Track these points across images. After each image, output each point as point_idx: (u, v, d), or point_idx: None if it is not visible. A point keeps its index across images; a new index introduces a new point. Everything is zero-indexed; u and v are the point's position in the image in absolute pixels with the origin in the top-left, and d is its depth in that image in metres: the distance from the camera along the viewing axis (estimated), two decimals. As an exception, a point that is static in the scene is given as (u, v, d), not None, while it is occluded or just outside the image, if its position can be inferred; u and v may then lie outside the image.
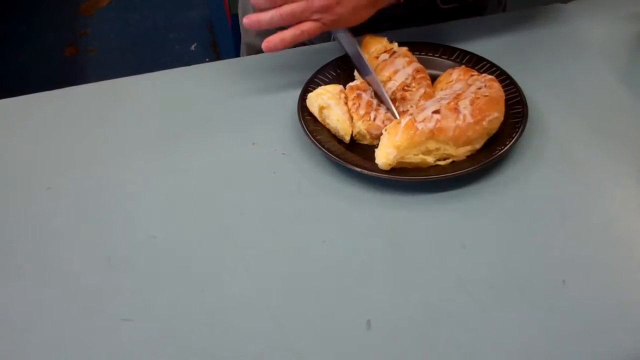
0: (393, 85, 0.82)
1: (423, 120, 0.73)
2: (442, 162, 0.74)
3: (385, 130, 0.75)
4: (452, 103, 0.74)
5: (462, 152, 0.74)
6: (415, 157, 0.74)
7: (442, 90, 0.81)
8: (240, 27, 1.18)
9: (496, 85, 0.77)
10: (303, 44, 1.04)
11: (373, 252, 0.68)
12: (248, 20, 0.83)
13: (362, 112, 0.78)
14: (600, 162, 0.76)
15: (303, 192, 0.74)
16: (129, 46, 2.78)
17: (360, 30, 0.93)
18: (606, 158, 0.77)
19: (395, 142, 0.73)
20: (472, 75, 0.79)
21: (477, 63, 0.85)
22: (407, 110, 0.79)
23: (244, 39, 1.17)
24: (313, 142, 0.76)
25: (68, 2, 3.06)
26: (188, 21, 2.86)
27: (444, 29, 0.96)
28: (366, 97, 0.80)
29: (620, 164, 0.76)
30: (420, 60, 0.85)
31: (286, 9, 0.80)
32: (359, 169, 0.73)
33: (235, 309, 0.63)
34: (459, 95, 0.76)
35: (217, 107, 0.86)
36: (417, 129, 0.72)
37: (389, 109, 0.80)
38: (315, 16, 0.80)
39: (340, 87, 0.82)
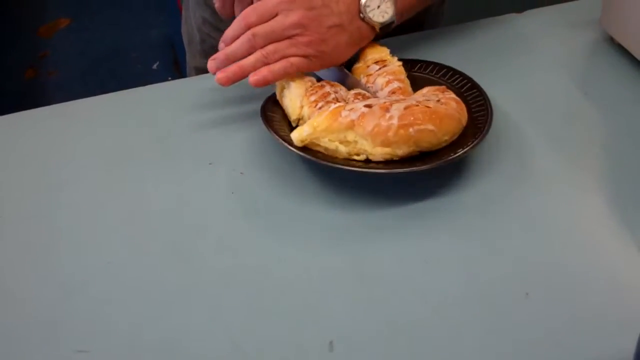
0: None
1: (350, 110, 0.72)
2: (356, 157, 0.72)
3: (317, 112, 0.75)
4: (387, 103, 0.72)
5: (379, 152, 0.71)
6: (330, 143, 0.72)
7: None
8: (187, 49, 1.17)
9: (453, 105, 0.74)
10: None
11: (334, 270, 0.67)
12: (224, 74, 0.78)
13: (312, 98, 0.77)
14: (560, 170, 0.76)
15: (262, 211, 0.73)
16: (90, 67, 2.75)
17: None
18: (566, 166, 0.77)
19: (314, 122, 0.72)
20: (441, 92, 0.77)
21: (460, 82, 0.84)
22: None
23: (191, 62, 1.16)
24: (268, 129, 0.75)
25: (26, 25, 3.02)
26: (149, 40, 2.84)
27: (404, 41, 0.95)
28: (329, 90, 0.78)
29: (580, 171, 0.76)
30: (414, 78, 0.83)
31: (270, 48, 0.77)
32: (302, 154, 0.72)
33: (195, 333, 0.61)
34: (402, 100, 0.74)
35: (172, 127, 0.84)
36: (341, 116, 0.72)
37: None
38: (301, 52, 0.78)
39: (313, 79, 0.81)
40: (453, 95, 0.76)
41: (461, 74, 0.83)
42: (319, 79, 0.82)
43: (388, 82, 0.80)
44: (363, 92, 0.79)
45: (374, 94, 0.80)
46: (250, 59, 0.77)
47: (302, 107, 0.78)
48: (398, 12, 0.82)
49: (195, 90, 0.90)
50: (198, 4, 1.09)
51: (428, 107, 0.72)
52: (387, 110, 0.71)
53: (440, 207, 0.72)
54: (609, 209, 0.72)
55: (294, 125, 0.79)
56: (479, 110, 0.78)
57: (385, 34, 0.85)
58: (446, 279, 0.65)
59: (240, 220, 0.72)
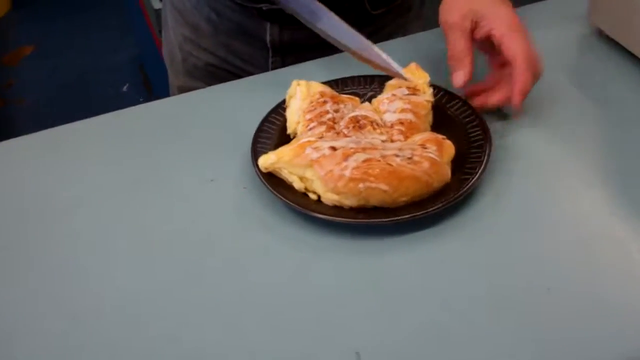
0: (372, 115, 0.77)
1: (315, 148, 0.71)
2: (310, 194, 0.71)
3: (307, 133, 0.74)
4: (351, 150, 0.69)
5: (329, 197, 0.69)
6: (289, 175, 0.72)
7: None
8: (169, 69, 1.15)
9: (425, 166, 0.69)
10: (250, 72, 1.02)
11: (353, 282, 0.65)
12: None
13: (308, 116, 0.76)
14: (564, 166, 0.76)
15: (269, 226, 0.71)
16: (59, 93, 2.70)
17: (311, 50, 0.91)
18: (569, 161, 0.76)
19: (281, 152, 0.72)
20: (426, 148, 0.71)
21: (449, 101, 0.81)
22: (340, 133, 0.74)
23: (174, 82, 1.14)
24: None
25: (-11, 54, 2.97)
26: (117, 63, 2.80)
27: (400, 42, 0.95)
28: (328, 108, 0.76)
29: (584, 166, 0.76)
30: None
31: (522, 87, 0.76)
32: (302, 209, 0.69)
33: (213, 355, 0.60)
34: (369, 149, 0.70)
35: (170, 146, 0.82)
36: (304, 152, 0.71)
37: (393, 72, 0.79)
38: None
39: (328, 90, 0.79)
40: (431, 155, 0.70)
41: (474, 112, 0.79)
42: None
43: (403, 110, 0.76)
44: (363, 115, 0.75)
45: (383, 112, 0.77)
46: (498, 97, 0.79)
47: (298, 122, 0.77)
48: None
49: (192, 107, 0.89)
50: (177, 23, 1.07)
51: (389, 164, 0.68)
52: (346, 157, 0.69)
53: (454, 211, 0.70)
54: (614, 201, 0.72)
55: (291, 137, 0.78)
56: (476, 145, 0.75)
57: (375, 21, 0.84)
58: (465, 283, 0.64)
59: (248, 237, 0.70)
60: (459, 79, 0.78)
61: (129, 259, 0.69)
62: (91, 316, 0.64)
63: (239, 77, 1.03)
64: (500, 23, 0.77)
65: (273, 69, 1.02)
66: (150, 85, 2.59)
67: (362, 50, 0.80)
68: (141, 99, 2.59)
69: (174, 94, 1.15)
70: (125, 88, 2.66)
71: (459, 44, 0.78)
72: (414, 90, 0.78)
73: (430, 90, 0.79)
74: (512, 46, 0.76)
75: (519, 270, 0.65)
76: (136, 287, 0.66)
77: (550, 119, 0.82)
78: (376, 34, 1.00)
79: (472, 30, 0.79)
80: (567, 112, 0.83)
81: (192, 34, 1.05)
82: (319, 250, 0.68)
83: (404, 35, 1.03)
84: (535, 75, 0.77)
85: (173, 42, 1.10)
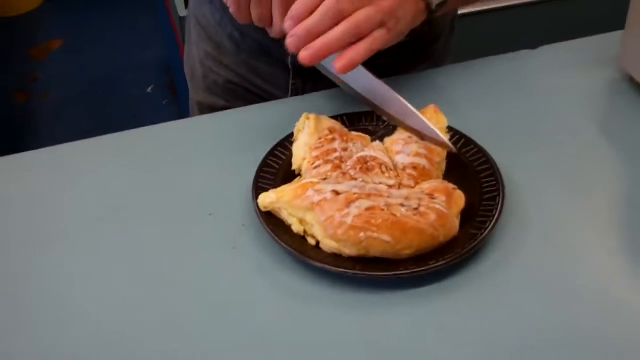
0: (381, 156, 0.73)
1: (317, 191, 0.67)
2: (309, 238, 0.67)
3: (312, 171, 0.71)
4: (354, 196, 0.66)
5: (327, 244, 0.66)
6: (289, 217, 0.68)
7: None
8: (189, 84, 1.13)
9: (431, 218, 0.65)
10: (264, 98, 0.99)
11: (344, 336, 0.61)
12: (308, 52, 0.68)
13: (314, 153, 0.73)
14: (585, 226, 0.71)
15: (266, 269, 0.68)
16: (83, 90, 2.70)
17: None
18: (592, 221, 0.72)
19: (281, 191, 0.69)
20: (434, 198, 0.67)
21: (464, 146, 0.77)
22: (346, 173, 0.70)
23: (194, 97, 1.12)
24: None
25: (18, 47, 2.97)
26: (144, 62, 2.79)
27: (415, 78, 0.91)
28: (336, 146, 0.73)
29: (609, 228, 0.71)
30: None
31: (360, 16, 0.68)
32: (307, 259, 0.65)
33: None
34: (374, 195, 0.67)
35: (169, 174, 0.79)
36: (306, 193, 0.67)
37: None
38: (381, 22, 0.70)
39: (338, 126, 0.76)
40: (439, 206, 0.66)
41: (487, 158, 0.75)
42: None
43: (418, 155, 0.72)
44: (372, 156, 0.71)
45: (396, 153, 0.74)
46: (337, 32, 0.68)
47: (304, 159, 0.73)
48: None
49: (195, 133, 0.86)
50: (201, 38, 1.06)
51: (394, 214, 0.64)
52: (349, 204, 0.65)
53: (459, 268, 0.66)
54: (634, 265, 0.67)
55: (296, 173, 0.74)
56: (489, 196, 0.71)
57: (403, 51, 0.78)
58: (465, 348, 0.60)
59: (240, 278, 0.67)
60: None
61: (113, 294, 0.66)
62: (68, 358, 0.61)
63: (259, 96, 1.02)
64: None
65: (293, 90, 1.00)
66: (176, 89, 2.58)
67: (401, 115, 0.75)
68: (165, 101, 2.57)
69: (193, 109, 1.13)
70: (150, 89, 2.65)
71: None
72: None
73: (447, 137, 0.75)
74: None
75: (525, 339, 0.61)
76: (118, 324, 0.63)
77: (573, 170, 0.77)
78: (400, 62, 0.97)
79: None
80: (593, 164, 0.79)
81: (214, 51, 1.04)
82: (312, 300, 0.65)
83: (429, 64, 0.99)
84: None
85: (195, 57, 1.08)
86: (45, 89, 2.73)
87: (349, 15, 0.69)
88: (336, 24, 0.69)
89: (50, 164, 0.82)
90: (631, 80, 0.88)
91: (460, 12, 1.10)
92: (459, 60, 0.98)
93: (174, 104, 2.53)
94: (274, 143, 0.78)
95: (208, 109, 1.07)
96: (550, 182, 0.75)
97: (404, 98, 0.75)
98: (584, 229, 0.71)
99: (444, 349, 0.60)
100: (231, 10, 0.76)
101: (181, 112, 2.28)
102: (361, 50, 0.69)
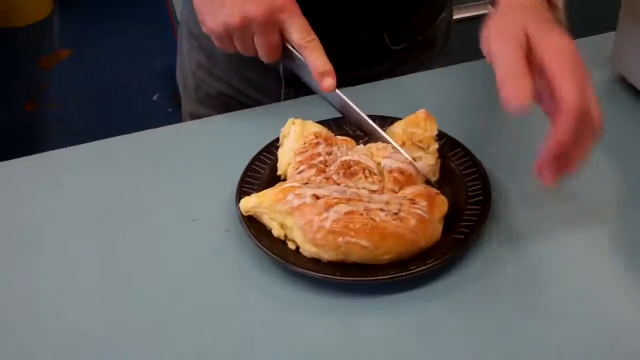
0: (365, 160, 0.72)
1: (297, 195, 0.66)
2: (290, 242, 0.67)
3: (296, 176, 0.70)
4: (334, 200, 0.65)
5: (307, 248, 0.65)
6: (270, 221, 0.67)
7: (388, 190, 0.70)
8: (182, 95, 1.13)
9: (411, 223, 0.64)
10: (263, 103, 0.98)
11: (323, 341, 0.61)
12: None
13: (298, 158, 0.72)
14: (572, 232, 0.70)
15: (249, 274, 0.67)
16: (91, 99, 2.72)
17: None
18: (579, 226, 0.70)
19: (262, 195, 0.68)
20: (414, 203, 0.66)
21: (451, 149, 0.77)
22: (330, 178, 0.69)
23: (187, 107, 1.12)
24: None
25: (27, 57, 2.99)
26: (150, 71, 2.80)
27: (405, 80, 0.90)
28: (320, 150, 0.72)
29: (596, 234, 0.70)
30: None
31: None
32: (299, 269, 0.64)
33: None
34: (354, 200, 0.65)
35: (154, 178, 0.79)
36: (286, 197, 0.66)
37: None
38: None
39: (324, 131, 0.75)
40: (419, 211, 0.65)
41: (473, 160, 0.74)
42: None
43: (404, 161, 0.71)
44: (355, 160, 0.70)
45: (384, 157, 0.72)
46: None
47: (289, 164, 0.73)
48: None
49: (180, 139, 0.86)
50: (192, 48, 1.05)
51: (373, 219, 0.63)
52: (328, 208, 0.64)
53: (440, 273, 0.65)
54: (624, 270, 0.66)
55: (281, 178, 0.74)
56: (474, 200, 0.70)
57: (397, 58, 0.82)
58: (442, 354, 0.59)
59: (222, 283, 0.66)
60: (518, 98, 0.59)
61: (95, 298, 0.66)
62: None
63: (251, 107, 1.01)
64: (559, 56, 0.61)
65: (285, 99, 0.99)
66: (179, 97, 2.58)
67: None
68: (169, 110, 2.58)
69: (185, 120, 1.13)
70: (155, 97, 2.66)
71: (516, 56, 0.60)
72: (419, 143, 0.74)
73: (435, 146, 0.74)
74: (567, 92, 0.59)
75: (507, 347, 0.59)
76: (100, 329, 0.63)
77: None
78: (396, 69, 0.98)
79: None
80: (584, 167, 0.77)
81: (206, 61, 1.03)
82: (292, 303, 0.64)
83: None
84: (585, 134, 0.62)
85: (187, 67, 1.08)
86: (54, 97, 2.74)
87: None
88: None
89: (36, 170, 0.82)
90: (623, 81, 0.86)
91: (456, 16, 1.10)
92: (456, 63, 0.97)
93: (177, 112, 2.53)
94: (260, 148, 0.77)
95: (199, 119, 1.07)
96: (535, 185, 0.74)
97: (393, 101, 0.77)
98: (573, 234, 0.69)
99: (425, 355, 0.59)
100: (217, 45, 0.79)
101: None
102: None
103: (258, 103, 1.00)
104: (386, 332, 0.61)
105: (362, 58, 0.97)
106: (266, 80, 0.99)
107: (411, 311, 0.62)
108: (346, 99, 0.76)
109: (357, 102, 0.80)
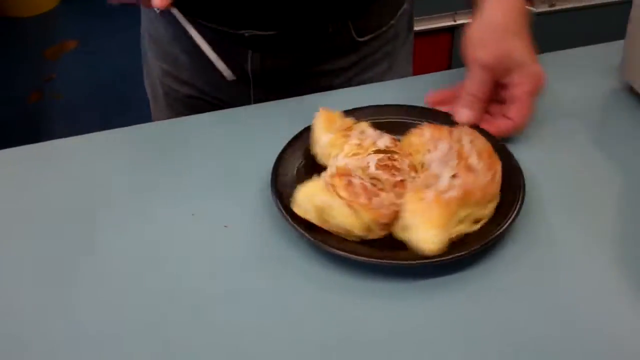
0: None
1: (447, 190, 0.65)
2: (475, 226, 0.67)
3: (409, 211, 0.65)
4: (463, 162, 0.68)
5: (490, 208, 0.68)
6: (453, 230, 0.66)
7: (428, 152, 0.71)
8: (152, 105, 1.13)
9: (480, 136, 0.72)
10: (232, 105, 0.97)
11: (369, 325, 0.60)
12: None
13: (363, 200, 0.66)
14: (575, 236, 0.69)
15: (248, 270, 0.66)
16: (96, 91, 2.71)
17: (294, 80, 0.88)
18: (589, 230, 0.69)
19: (435, 221, 0.63)
20: (445, 131, 0.73)
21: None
22: (404, 180, 0.69)
23: (158, 116, 1.11)
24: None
25: (33, 47, 2.99)
26: (156, 65, 2.80)
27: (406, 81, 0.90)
28: (356, 181, 0.68)
29: (596, 235, 0.69)
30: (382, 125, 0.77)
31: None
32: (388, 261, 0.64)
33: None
34: (460, 153, 0.69)
35: (154, 173, 0.79)
36: (447, 200, 0.64)
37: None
38: None
39: (324, 178, 0.69)
40: (467, 129, 0.74)
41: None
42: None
43: (381, 134, 0.74)
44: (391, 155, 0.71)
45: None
46: None
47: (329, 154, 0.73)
48: None
49: (181, 133, 0.85)
50: (157, 56, 1.04)
51: (482, 149, 0.70)
52: (472, 170, 0.68)
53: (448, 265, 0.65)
54: (631, 275, 0.65)
55: (356, 237, 0.68)
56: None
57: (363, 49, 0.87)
58: (477, 338, 0.59)
59: (221, 282, 0.66)
60: (465, 117, 0.78)
61: (87, 296, 0.65)
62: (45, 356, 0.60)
63: (222, 108, 0.99)
64: (529, 85, 0.77)
65: (255, 101, 0.98)
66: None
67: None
68: (174, 104, 2.57)
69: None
70: (160, 92, 2.65)
71: (482, 87, 0.78)
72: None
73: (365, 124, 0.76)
74: (522, 111, 0.77)
75: (545, 333, 0.59)
76: (97, 324, 0.62)
77: (572, 180, 0.75)
78: (363, 61, 1.00)
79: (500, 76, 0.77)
80: (592, 174, 0.76)
81: (171, 67, 1.03)
82: (299, 302, 0.63)
83: (390, 63, 1.02)
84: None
85: (154, 75, 1.07)
86: (59, 89, 2.74)
87: None
88: None
89: (36, 160, 0.82)
90: (631, 90, 0.86)
91: (460, 21, 1.09)
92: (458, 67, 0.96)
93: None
94: (265, 144, 0.77)
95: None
96: (548, 192, 0.74)
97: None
98: (582, 240, 0.69)
99: (459, 339, 0.59)
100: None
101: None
102: None
103: (228, 105, 0.96)
104: (426, 314, 0.61)
105: (330, 51, 0.97)
106: (233, 82, 0.97)
107: (450, 296, 0.63)
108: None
109: (360, 102, 0.80)
